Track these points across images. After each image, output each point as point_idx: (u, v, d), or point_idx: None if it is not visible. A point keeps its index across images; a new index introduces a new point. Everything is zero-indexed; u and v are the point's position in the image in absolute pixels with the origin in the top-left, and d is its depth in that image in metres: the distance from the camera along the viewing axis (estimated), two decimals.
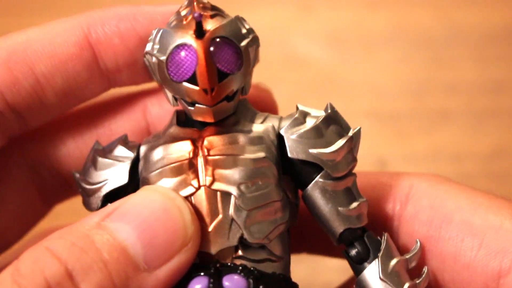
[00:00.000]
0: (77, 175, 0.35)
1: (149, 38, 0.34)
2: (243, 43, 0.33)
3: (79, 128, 0.39)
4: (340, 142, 0.33)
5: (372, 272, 0.33)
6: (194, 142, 0.33)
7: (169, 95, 0.34)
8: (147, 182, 0.33)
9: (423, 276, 0.33)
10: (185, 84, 0.32)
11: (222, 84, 0.32)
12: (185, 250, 0.31)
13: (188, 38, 0.32)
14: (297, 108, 0.34)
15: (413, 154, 0.62)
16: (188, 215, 0.31)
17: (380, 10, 0.75)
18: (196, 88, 0.32)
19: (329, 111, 0.34)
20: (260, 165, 0.32)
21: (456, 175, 0.60)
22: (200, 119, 0.33)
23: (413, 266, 0.34)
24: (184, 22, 0.32)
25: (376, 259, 0.33)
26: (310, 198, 0.33)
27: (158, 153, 0.33)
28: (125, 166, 0.34)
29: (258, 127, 0.34)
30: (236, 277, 0.31)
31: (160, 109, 0.39)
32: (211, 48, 0.32)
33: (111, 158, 0.34)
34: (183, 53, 0.32)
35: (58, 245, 0.29)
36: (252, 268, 0.32)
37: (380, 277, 0.32)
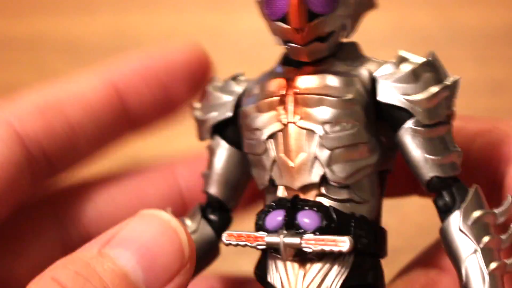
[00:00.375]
0: (196, 105, 0.37)
1: None
2: None
3: (111, 190, 0.40)
4: (434, 89, 0.33)
5: (453, 222, 0.32)
6: (288, 80, 0.34)
7: (273, 35, 0.34)
8: (244, 115, 0.35)
9: (510, 232, 0.32)
10: (278, 23, 0.33)
11: (313, 24, 0.32)
12: (183, 271, 0.32)
13: None
14: (398, 54, 0.34)
15: None
16: (184, 236, 0.32)
17: (380, 10, 0.75)
18: (288, 27, 0.32)
19: (430, 58, 0.34)
20: (346, 107, 0.33)
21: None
22: (296, 57, 0.34)
23: (501, 221, 0.33)
24: None
25: (459, 209, 0.32)
26: (400, 143, 0.33)
27: (256, 89, 0.35)
28: (231, 101, 0.36)
29: (353, 70, 0.34)
30: (310, 212, 0.32)
31: (190, 173, 0.41)
32: None
33: (222, 91, 0.36)
34: None
35: (63, 275, 0.30)
36: (329, 206, 0.32)
37: (459, 228, 0.32)
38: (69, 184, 0.41)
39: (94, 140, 0.39)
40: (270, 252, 0.33)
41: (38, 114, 0.37)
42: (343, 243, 0.31)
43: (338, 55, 0.35)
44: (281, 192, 0.33)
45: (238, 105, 0.36)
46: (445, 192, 0.33)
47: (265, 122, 0.34)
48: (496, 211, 0.33)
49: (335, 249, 0.31)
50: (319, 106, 0.33)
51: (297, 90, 0.33)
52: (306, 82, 0.33)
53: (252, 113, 0.34)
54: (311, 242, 0.31)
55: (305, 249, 0.31)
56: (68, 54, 0.73)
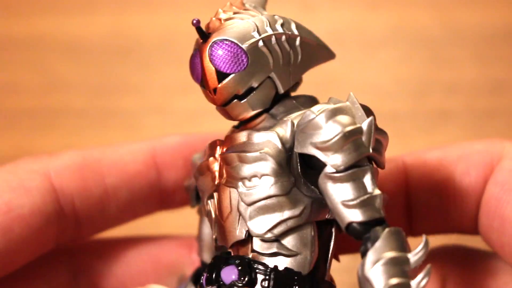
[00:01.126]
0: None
1: None
2: (247, 43, 0.33)
3: (127, 252, 0.41)
4: (337, 135, 0.31)
5: (364, 265, 0.31)
6: (221, 142, 0.35)
7: None
8: (196, 179, 0.36)
9: (422, 275, 0.30)
10: (201, 87, 0.34)
11: (225, 84, 0.33)
12: None
13: (196, 44, 0.34)
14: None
15: None
16: None
17: (380, 10, 0.75)
18: (206, 90, 0.34)
19: (347, 102, 0.33)
20: (259, 161, 0.33)
21: None
22: (227, 119, 0.35)
23: (416, 264, 0.31)
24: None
25: (368, 252, 0.31)
26: (320, 190, 0.32)
27: (203, 153, 0.36)
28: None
29: (278, 123, 0.33)
30: (228, 268, 0.33)
31: None
32: (211, 51, 0.33)
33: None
34: (194, 58, 0.34)
35: None
36: (247, 260, 0.33)
37: (364, 272, 0.31)
38: (89, 239, 0.41)
39: (125, 208, 0.39)
40: None
41: (75, 171, 0.38)
42: None
43: (273, 110, 0.35)
44: (222, 251, 0.34)
45: None
46: (365, 237, 0.31)
47: (204, 185, 0.35)
48: (410, 254, 0.31)
49: None
50: (237, 163, 0.33)
51: (221, 151, 0.34)
52: (230, 141, 0.34)
53: (197, 177, 0.35)
54: None
55: None
56: (68, 54, 0.73)
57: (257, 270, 0.32)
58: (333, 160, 0.31)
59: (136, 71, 0.71)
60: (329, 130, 0.32)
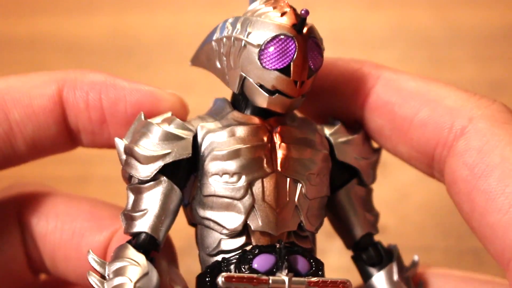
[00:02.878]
0: (123, 142, 0.35)
1: (224, 25, 0.35)
2: (322, 47, 0.35)
3: (66, 213, 0.40)
4: (374, 156, 0.37)
5: (384, 277, 0.36)
6: (268, 129, 0.35)
7: (239, 79, 0.34)
8: (218, 158, 0.34)
9: (420, 286, 0.36)
10: (277, 72, 0.33)
11: (309, 80, 0.34)
12: None
13: (288, 30, 0.33)
14: (331, 118, 0.37)
15: None
16: None
17: (380, 10, 0.75)
18: (288, 78, 0.33)
19: (362, 129, 0.37)
20: (323, 160, 0.35)
21: None
22: (272, 108, 0.34)
23: (410, 276, 0.36)
24: (279, 14, 0.33)
25: (391, 264, 0.36)
26: (339, 200, 0.36)
27: (231, 133, 0.35)
28: (188, 140, 0.35)
29: (313, 126, 0.36)
30: (300, 257, 0.33)
31: None
32: (310, 47, 0.33)
33: (172, 130, 0.35)
34: (282, 44, 0.33)
35: None
36: (309, 252, 0.34)
37: (397, 279, 0.36)
38: (32, 189, 0.41)
39: (33, 144, 0.38)
40: None
41: None
42: (346, 284, 0.33)
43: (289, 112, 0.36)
44: (249, 238, 0.34)
45: (194, 146, 0.35)
46: (371, 248, 0.36)
47: (248, 168, 0.34)
48: (407, 268, 0.37)
49: None
50: (303, 157, 0.34)
51: (280, 140, 0.34)
52: (288, 132, 0.35)
53: (231, 157, 0.34)
54: (316, 284, 0.33)
55: None
56: (68, 54, 0.73)
57: (319, 263, 0.34)
58: (368, 176, 0.37)
59: (136, 71, 0.71)
60: (367, 149, 0.37)
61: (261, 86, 0.34)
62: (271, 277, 0.32)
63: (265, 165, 0.34)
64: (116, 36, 0.74)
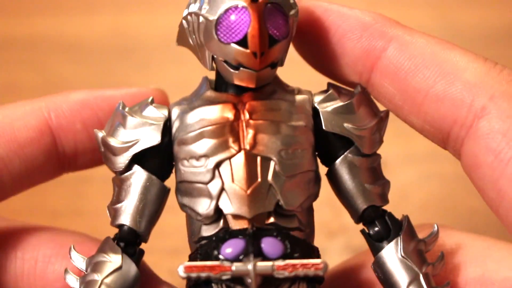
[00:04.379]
0: (101, 134, 0.35)
1: (191, 0, 0.34)
2: (291, 12, 0.33)
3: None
4: (372, 121, 0.34)
5: (392, 250, 0.33)
6: (235, 106, 0.33)
7: (208, 57, 0.33)
8: (184, 142, 0.33)
9: (439, 259, 0.33)
10: (234, 45, 0.32)
11: (272, 49, 0.32)
12: None
13: (241, 0, 0.31)
14: (329, 85, 0.35)
15: (413, 154, 0.62)
16: None
17: (380, 10, 0.75)
18: (246, 50, 0.32)
19: (359, 90, 0.34)
20: (300, 133, 0.33)
21: (456, 175, 0.60)
22: (241, 83, 0.33)
23: (430, 249, 0.34)
24: None
25: (398, 238, 0.33)
26: (337, 172, 0.34)
27: (197, 114, 0.33)
28: (158, 126, 0.34)
29: (295, 97, 0.34)
30: (273, 239, 0.32)
31: None
32: (266, 14, 0.32)
33: (142, 117, 0.34)
34: (236, 15, 0.32)
35: None
36: (286, 233, 0.32)
37: (401, 255, 0.33)
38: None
39: (20, 178, 0.37)
40: (223, 285, 0.32)
41: None
42: (319, 266, 0.31)
43: (274, 82, 0.34)
44: (226, 222, 0.32)
45: (163, 132, 0.34)
46: (378, 221, 0.34)
47: (213, 149, 0.32)
48: (426, 239, 0.34)
49: (310, 273, 0.31)
50: (276, 133, 0.32)
51: (249, 116, 0.33)
52: (257, 107, 0.33)
53: (197, 139, 0.33)
54: (285, 268, 0.31)
55: (277, 276, 0.31)
56: (68, 54, 0.73)
57: (297, 244, 0.32)
58: (364, 145, 0.34)
59: (136, 71, 0.71)
60: (364, 115, 0.34)
61: (226, 62, 0.32)
62: (234, 264, 0.31)
63: (231, 144, 0.32)
64: (116, 36, 0.74)
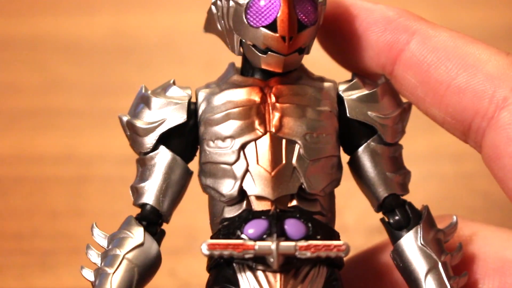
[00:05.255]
0: (126, 118, 0.36)
1: None
2: (322, 0, 0.33)
3: None
4: (395, 110, 0.35)
5: (411, 238, 0.33)
6: (262, 89, 0.34)
7: (236, 41, 0.34)
8: (210, 123, 0.34)
9: (458, 250, 0.34)
10: (263, 29, 0.32)
11: (300, 34, 0.32)
12: None
13: None
14: (353, 75, 0.35)
15: (413, 154, 0.62)
16: None
17: None
18: (275, 34, 0.32)
19: (384, 80, 0.35)
20: (325, 118, 0.33)
21: (456, 175, 0.60)
22: (268, 68, 0.33)
23: (449, 239, 0.34)
24: None
25: (417, 226, 0.33)
26: (359, 160, 0.34)
27: (224, 97, 0.34)
28: (183, 105, 0.35)
29: (321, 84, 0.35)
30: (296, 221, 0.32)
31: None
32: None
33: (167, 97, 0.35)
34: (265, 0, 0.32)
35: None
36: (309, 215, 0.32)
37: (420, 243, 0.33)
38: None
39: None
40: (244, 265, 0.32)
41: None
42: (341, 247, 0.31)
43: (300, 69, 0.35)
44: (249, 204, 0.33)
45: (190, 111, 0.35)
46: (398, 210, 0.34)
47: (239, 131, 0.33)
48: (445, 229, 0.34)
49: (332, 254, 0.31)
50: (302, 117, 0.33)
51: (275, 100, 0.33)
52: (284, 91, 0.33)
53: (223, 120, 0.33)
54: (307, 248, 0.31)
55: (299, 256, 0.31)
56: (68, 54, 0.73)
57: (320, 227, 0.32)
58: (387, 133, 0.34)
59: (136, 71, 0.71)
60: (388, 104, 0.35)
61: (254, 46, 0.33)
62: (257, 243, 0.31)
63: (257, 126, 0.33)
64: (116, 36, 0.74)
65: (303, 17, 0.32)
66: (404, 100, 0.36)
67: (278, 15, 0.32)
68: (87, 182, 0.61)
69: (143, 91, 0.36)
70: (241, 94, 0.33)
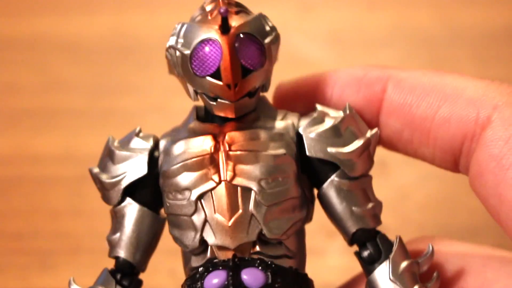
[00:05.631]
0: (95, 170, 0.36)
1: (172, 32, 0.34)
2: (267, 40, 0.33)
3: None
4: (358, 143, 0.33)
5: (382, 272, 0.33)
6: (215, 137, 0.33)
7: (191, 89, 0.34)
8: (168, 175, 0.33)
9: (433, 280, 0.33)
10: (209, 78, 0.32)
11: (245, 80, 0.32)
12: None
13: (213, 33, 0.32)
14: (316, 108, 0.35)
15: None
16: None
17: (380, 10, 0.75)
18: (220, 83, 0.32)
19: (347, 112, 0.34)
20: (280, 162, 0.33)
21: (456, 175, 0.60)
22: (221, 114, 0.33)
23: (424, 270, 0.34)
24: (209, 17, 0.32)
25: (387, 260, 0.33)
26: (325, 196, 0.34)
27: (179, 147, 0.33)
28: (143, 157, 0.34)
29: (278, 124, 0.34)
30: (254, 270, 0.32)
31: None
32: (236, 44, 0.32)
33: (128, 150, 0.35)
34: (207, 48, 0.32)
35: None
36: (269, 262, 0.32)
37: (390, 278, 0.33)
38: None
39: None
40: None
41: None
42: None
43: (257, 109, 0.34)
44: (212, 253, 0.33)
45: (151, 163, 0.34)
46: (369, 244, 0.34)
47: (195, 182, 0.33)
48: (419, 260, 0.33)
49: None
50: (255, 163, 0.32)
51: (228, 147, 0.33)
52: (236, 138, 0.33)
53: (178, 173, 0.33)
54: None
55: None
56: (68, 54, 0.73)
57: (280, 273, 0.32)
58: (349, 168, 0.33)
59: (136, 71, 0.71)
60: (346, 138, 0.34)
61: (204, 94, 0.33)
62: None
63: (211, 176, 0.32)
64: (116, 36, 0.74)
65: (248, 62, 0.32)
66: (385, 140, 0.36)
67: (221, 63, 0.32)
68: (87, 182, 0.60)
69: (109, 143, 0.35)
70: (195, 144, 0.33)
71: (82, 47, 0.74)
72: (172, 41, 0.33)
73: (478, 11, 0.73)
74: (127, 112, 0.67)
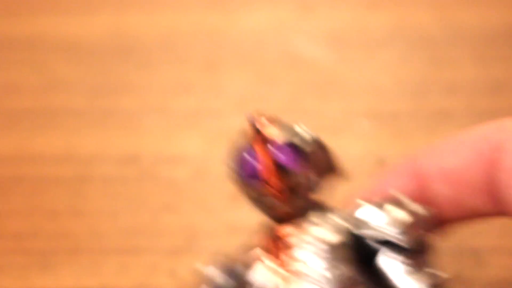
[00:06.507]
0: None
1: None
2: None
3: None
4: None
5: None
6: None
7: None
8: None
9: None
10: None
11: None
12: None
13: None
14: None
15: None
16: None
17: (380, 10, 0.75)
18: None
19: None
20: None
21: None
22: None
23: None
24: None
25: None
26: None
27: None
28: None
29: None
30: None
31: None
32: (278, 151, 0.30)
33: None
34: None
35: None
36: None
37: None
38: None
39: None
40: None
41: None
42: None
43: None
44: None
45: None
46: None
47: None
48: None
49: None
50: None
51: None
52: None
53: None
54: None
55: None
56: (68, 54, 0.73)
57: None
58: None
59: (136, 71, 0.71)
60: None
61: None
62: None
63: None
64: (116, 36, 0.74)
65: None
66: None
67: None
68: (87, 182, 0.61)
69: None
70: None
71: (82, 47, 0.74)
72: None
73: (478, 11, 0.73)
74: (127, 112, 0.67)
